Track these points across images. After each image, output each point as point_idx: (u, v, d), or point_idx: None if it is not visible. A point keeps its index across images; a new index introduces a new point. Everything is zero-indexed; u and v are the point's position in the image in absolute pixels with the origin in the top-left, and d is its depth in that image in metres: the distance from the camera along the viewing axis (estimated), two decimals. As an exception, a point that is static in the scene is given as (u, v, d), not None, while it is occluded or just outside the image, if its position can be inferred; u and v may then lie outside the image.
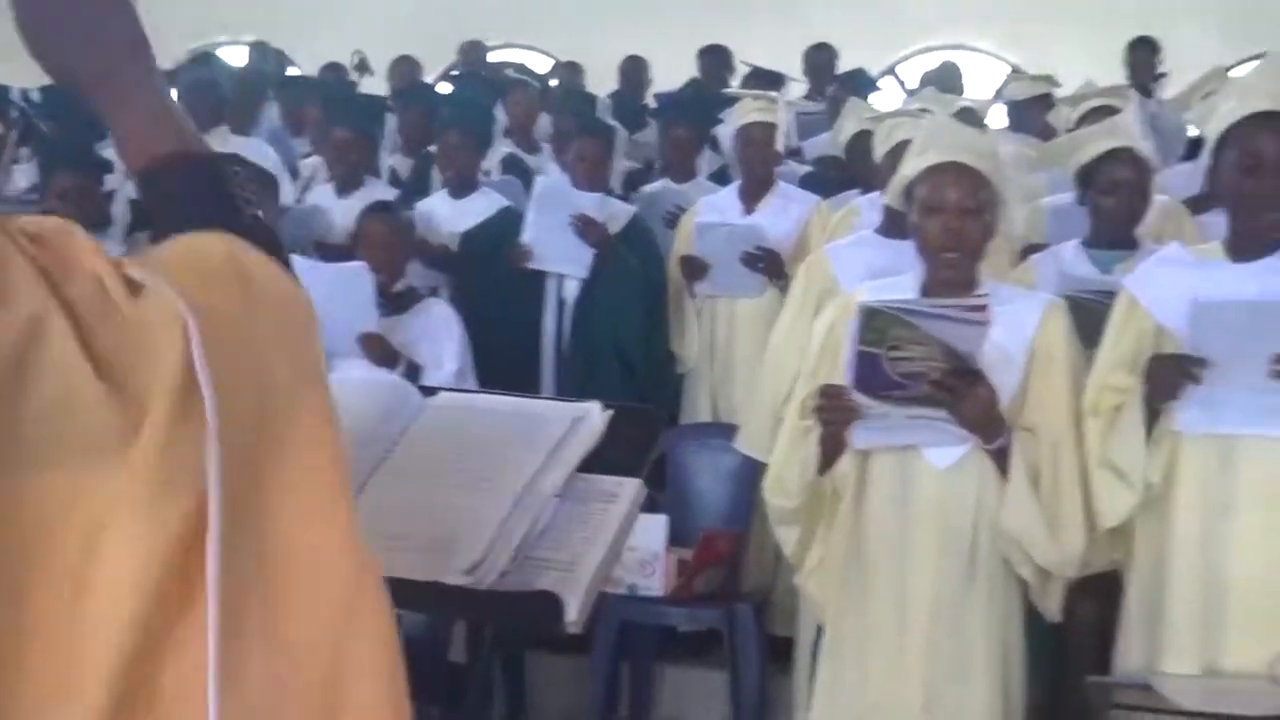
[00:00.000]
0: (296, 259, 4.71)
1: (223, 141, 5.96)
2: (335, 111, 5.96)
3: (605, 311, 5.22)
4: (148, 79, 1.27)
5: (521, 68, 9.04)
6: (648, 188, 6.00)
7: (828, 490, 3.16)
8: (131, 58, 1.25)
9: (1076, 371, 3.08)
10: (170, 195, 1.26)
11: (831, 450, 3.05)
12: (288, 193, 5.63)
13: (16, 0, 1.22)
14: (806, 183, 5.80)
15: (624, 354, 5.19)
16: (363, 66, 7.96)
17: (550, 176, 5.59)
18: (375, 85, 8.01)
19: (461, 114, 5.80)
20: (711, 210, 5.33)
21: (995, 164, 3.10)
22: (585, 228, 5.16)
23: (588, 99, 7.10)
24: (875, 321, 2.71)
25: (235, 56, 9.52)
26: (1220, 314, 2.80)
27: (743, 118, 5.35)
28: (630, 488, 2.00)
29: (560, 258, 5.23)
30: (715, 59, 8.39)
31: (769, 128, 5.30)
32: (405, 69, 8.79)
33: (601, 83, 8.35)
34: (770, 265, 5.09)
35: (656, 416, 2.10)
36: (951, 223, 3.02)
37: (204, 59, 8.27)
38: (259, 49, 9.23)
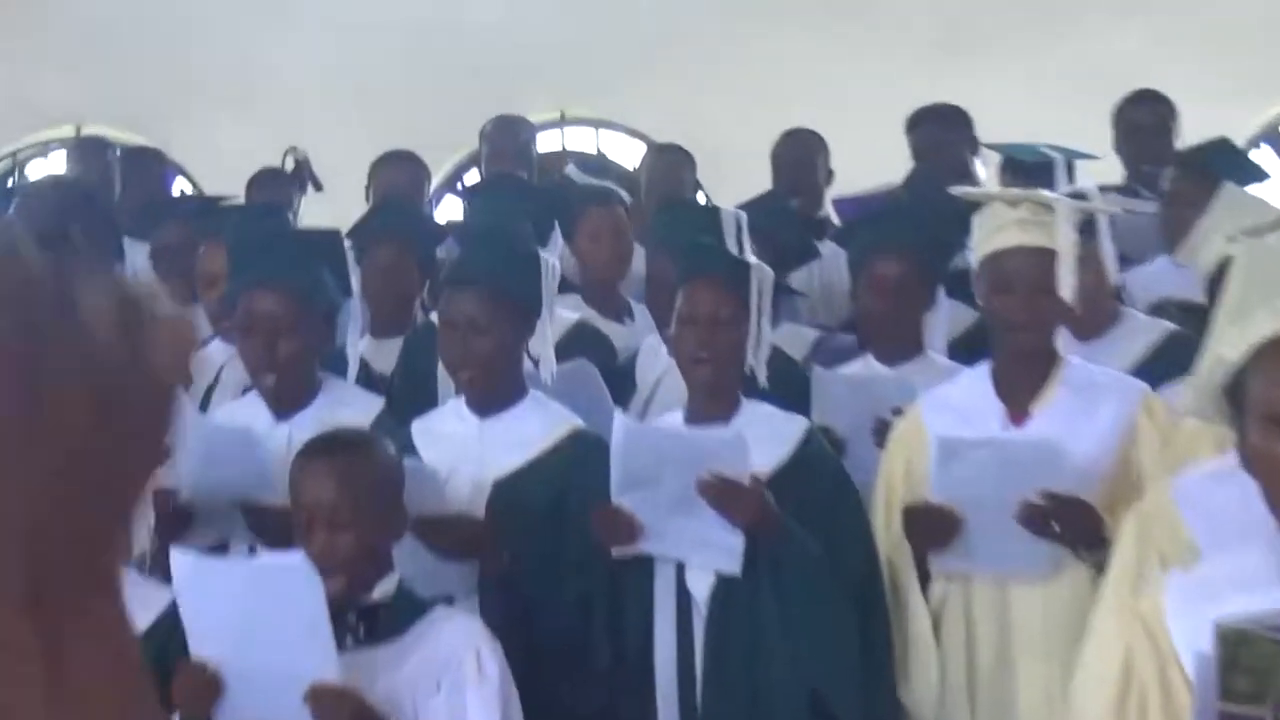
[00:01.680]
0: (200, 561, 4.00)
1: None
2: (248, 264, 5.23)
3: (773, 623, 4.76)
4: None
5: (600, 162, 8.32)
6: (836, 371, 5.57)
7: None
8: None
9: None
10: None
11: None
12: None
13: None
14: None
15: (820, 704, 4.77)
16: (301, 173, 7.28)
17: (628, 417, 5.05)
18: (331, 204, 7.31)
19: (489, 261, 5.22)
20: (949, 413, 4.91)
21: None
22: (724, 496, 4.58)
23: (708, 215, 6.39)
24: (1246, 656, 2.51)
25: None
26: None
27: (993, 239, 4.88)
28: None
29: (685, 541, 4.76)
30: (944, 126, 7.71)
31: (1043, 257, 4.78)
32: (394, 174, 7.89)
33: (732, 180, 7.84)
34: (1070, 524, 4.62)
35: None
36: None
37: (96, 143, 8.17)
38: (87, 146, 8.70)
